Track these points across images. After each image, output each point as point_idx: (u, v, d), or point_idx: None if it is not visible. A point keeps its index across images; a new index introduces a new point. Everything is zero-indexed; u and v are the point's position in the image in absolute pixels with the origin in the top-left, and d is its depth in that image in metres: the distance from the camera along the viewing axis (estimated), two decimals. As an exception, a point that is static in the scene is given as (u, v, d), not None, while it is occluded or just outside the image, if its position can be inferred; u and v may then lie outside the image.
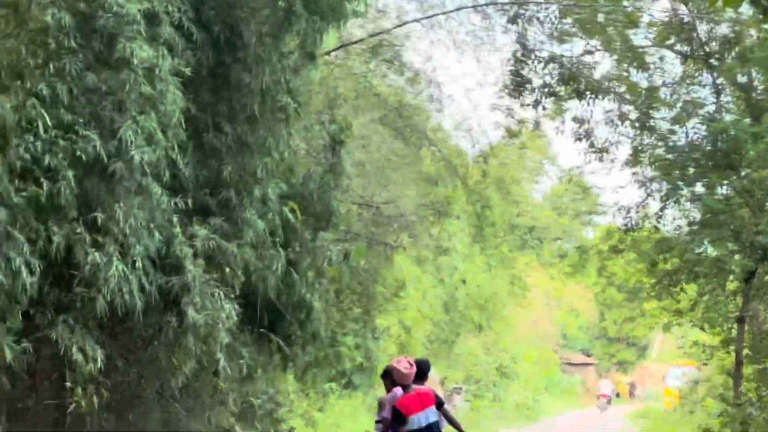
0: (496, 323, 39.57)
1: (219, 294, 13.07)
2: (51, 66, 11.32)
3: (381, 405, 12.61)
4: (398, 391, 12.28)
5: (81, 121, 11.38)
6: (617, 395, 73.72)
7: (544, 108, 24.87)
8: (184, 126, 12.49)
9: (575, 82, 24.33)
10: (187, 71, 12.62)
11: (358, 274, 19.85)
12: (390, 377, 12.56)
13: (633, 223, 23.93)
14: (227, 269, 13.42)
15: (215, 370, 13.59)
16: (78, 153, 11.18)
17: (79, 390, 11.74)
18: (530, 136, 32.07)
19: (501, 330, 42.83)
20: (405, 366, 12.11)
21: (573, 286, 59.95)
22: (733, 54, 22.52)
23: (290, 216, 14.53)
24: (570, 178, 32.36)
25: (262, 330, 15.12)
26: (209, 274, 13.08)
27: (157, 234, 12.12)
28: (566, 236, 43.94)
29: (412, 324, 30.45)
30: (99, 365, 11.66)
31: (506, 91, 25.16)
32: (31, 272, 10.77)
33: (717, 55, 23.02)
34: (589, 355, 77.90)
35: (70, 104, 11.31)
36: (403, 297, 26.99)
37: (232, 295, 13.44)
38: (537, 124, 27.95)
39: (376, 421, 12.65)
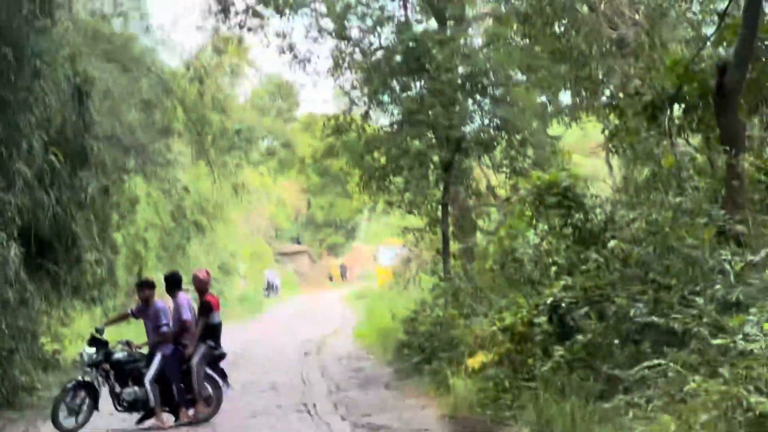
0: (217, 225, 41.95)
1: (2, 236, 14.83)
2: None
3: (161, 311, 15.04)
4: (183, 295, 15.08)
5: None
6: (330, 278, 77.72)
7: (249, 29, 27.01)
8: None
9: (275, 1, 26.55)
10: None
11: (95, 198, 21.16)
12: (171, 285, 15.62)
13: (343, 128, 26.48)
14: (8, 214, 15.09)
15: (5, 301, 15.39)
16: None
17: None
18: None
19: (221, 230, 45.22)
20: (204, 275, 15.74)
21: (279, 179, 62.62)
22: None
23: (54, 160, 16.32)
24: (276, 82, 34.88)
25: (38, 260, 16.98)
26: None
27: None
28: (271, 135, 46.38)
29: (146, 235, 32.66)
30: None
31: (212, 14, 27.13)
32: None
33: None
34: (299, 243, 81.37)
35: None
36: (137, 212, 29.23)
37: (14, 236, 15.20)
38: (241, 40, 30.15)
39: (162, 325, 14.98)
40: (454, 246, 25.26)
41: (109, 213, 23.60)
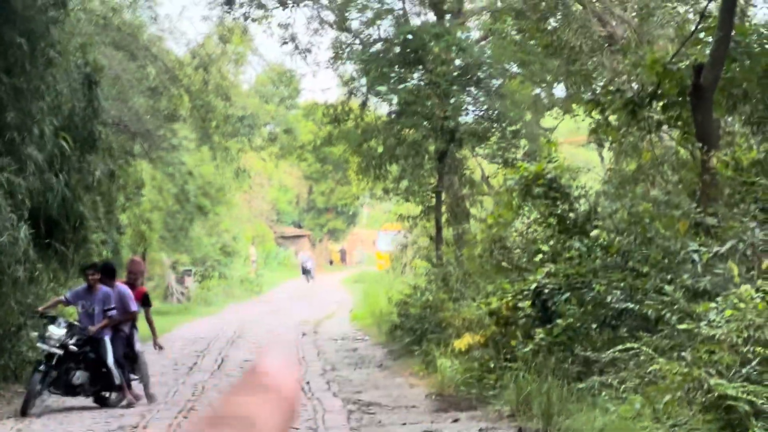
0: (220, 208, 42.80)
1: (13, 217, 15.62)
2: None
3: (110, 296, 15.56)
4: (121, 284, 15.91)
5: None
6: (330, 262, 78.56)
7: (253, 20, 27.81)
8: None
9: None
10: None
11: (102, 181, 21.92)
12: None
13: (341, 117, 27.27)
14: (19, 196, 15.89)
15: (15, 279, 16.16)
16: None
17: None
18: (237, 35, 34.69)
19: (223, 213, 46.07)
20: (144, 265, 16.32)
21: (282, 164, 63.35)
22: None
23: (64, 145, 17.13)
24: (278, 70, 35.60)
25: (46, 240, 17.80)
26: (5, 201, 15.56)
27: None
28: (274, 121, 47.12)
29: (150, 216, 33.54)
30: None
31: (218, 4, 27.90)
32: None
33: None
34: (300, 227, 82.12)
35: None
36: (143, 195, 30.13)
37: (25, 217, 15.99)
38: (245, 30, 30.94)
39: (111, 308, 15.51)
40: (447, 233, 26.02)
41: (115, 195, 24.37)
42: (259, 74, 54.06)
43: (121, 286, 16.00)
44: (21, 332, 17.51)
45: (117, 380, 15.47)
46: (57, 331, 14.92)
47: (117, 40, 23.69)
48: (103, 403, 15.56)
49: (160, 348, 16.93)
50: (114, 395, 15.71)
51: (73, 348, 15.04)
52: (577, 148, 34.44)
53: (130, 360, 15.97)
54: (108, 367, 15.36)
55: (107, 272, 15.88)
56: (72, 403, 15.62)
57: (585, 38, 21.18)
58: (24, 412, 14.36)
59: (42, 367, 14.69)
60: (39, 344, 14.93)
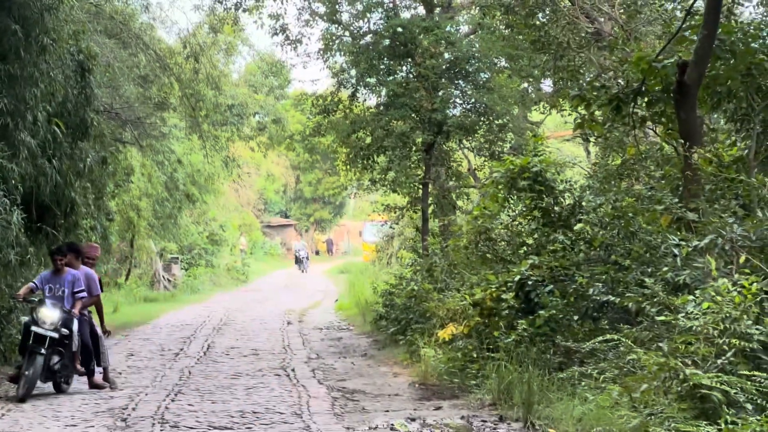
0: (208, 196, 43.00)
1: (6, 202, 15.82)
2: None
3: (78, 278, 15.62)
4: (86, 268, 15.99)
5: None
6: (317, 252, 78.83)
7: (245, 10, 28.03)
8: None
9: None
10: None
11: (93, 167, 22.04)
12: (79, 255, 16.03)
13: (330, 108, 27.50)
14: (12, 182, 16.07)
15: (6, 263, 16.35)
16: None
17: None
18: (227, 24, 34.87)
19: (211, 201, 46.27)
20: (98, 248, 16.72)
21: (270, 154, 63.56)
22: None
23: (57, 131, 17.32)
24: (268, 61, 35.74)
25: (37, 225, 18.00)
26: (-1, 186, 15.80)
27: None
28: (263, 111, 47.25)
29: (139, 204, 33.73)
30: None
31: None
32: None
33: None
34: (287, 217, 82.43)
35: None
36: (132, 182, 30.33)
37: (17, 202, 16.19)
38: (236, 20, 31.13)
39: (81, 291, 15.56)
40: (433, 224, 26.29)
41: (105, 182, 24.51)
42: (249, 64, 54.10)
43: (86, 269, 16.09)
44: (11, 315, 17.71)
45: (82, 366, 15.54)
46: (50, 314, 14.97)
47: (109, 28, 23.90)
48: (59, 389, 15.39)
49: (108, 333, 16.88)
50: (69, 382, 15.58)
51: (65, 331, 15.10)
52: (563, 143, 34.70)
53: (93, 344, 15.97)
54: (77, 351, 15.40)
55: (74, 252, 15.88)
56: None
57: (572, 34, 21.40)
58: (24, 399, 14.33)
59: (42, 351, 14.66)
60: (34, 329, 14.78)
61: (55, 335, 14.89)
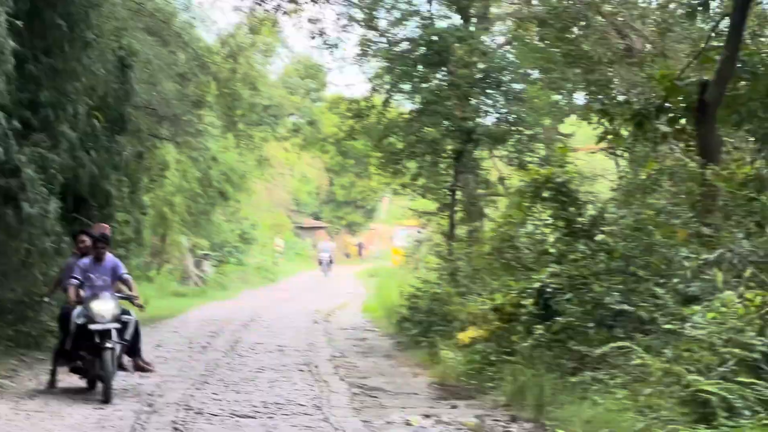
0: (240, 194, 43.59)
1: (45, 191, 16.42)
2: None
3: (118, 264, 15.06)
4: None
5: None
6: (347, 255, 79.27)
7: (285, 12, 28.57)
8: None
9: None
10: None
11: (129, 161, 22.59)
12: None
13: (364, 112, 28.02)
14: (51, 171, 16.66)
15: (42, 250, 16.93)
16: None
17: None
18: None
19: (243, 200, 46.87)
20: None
21: (304, 155, 64.21)
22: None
23: (96, 125, 17.93)
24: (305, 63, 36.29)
25: (72, 214, 18.60)
26: (38, 175, 16.35)
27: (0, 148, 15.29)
28: (299, 113, 47.93)
29: (173, 199, 34.36)
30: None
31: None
32: None
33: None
34: (319, 219, 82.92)
35: None
36: (167, 177, 30.96)
37: (56, 191, 16.79)
38: (275, 22, 31.67)
39: (124, 274, 15.04)
40: (461, 230, 26.68)
41: (140, 176, 25.09)
42: (286, 66, 54.75)
43: (112, 257, 15.26)
44: (43, 302, 18.15)
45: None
46: (107, 306, 14.29)
47: (150, 26, 24.54)
48: (93, 385, 14.86)
49: (142, 308, 16.21)
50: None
51: (126, 318, 14.68)
52: (594, 155, 34.94)
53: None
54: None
55: (106, 240, 15.07)
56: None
57: (604, 49, 21.79)
58: (108, 400, 13.79)
59: (110, 345, 14.07)
60: (93, 326, 14.10)
61: (118, 326, 14.34)
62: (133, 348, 15.22)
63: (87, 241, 15.10)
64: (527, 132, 26.18)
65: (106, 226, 17.39)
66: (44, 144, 16.67)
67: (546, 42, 23.59)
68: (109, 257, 14.94)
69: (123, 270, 15.00)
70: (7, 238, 16.56)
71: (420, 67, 26.33)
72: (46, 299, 17.20)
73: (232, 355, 19.83)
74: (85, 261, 14.85)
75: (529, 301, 15.91)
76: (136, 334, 15.26)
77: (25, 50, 16.59)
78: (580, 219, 17.11)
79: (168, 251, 39.45)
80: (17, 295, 18.23)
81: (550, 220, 17.63)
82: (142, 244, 29.28)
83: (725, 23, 16.09)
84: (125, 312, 14.76)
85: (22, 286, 18.27)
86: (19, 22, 15.61)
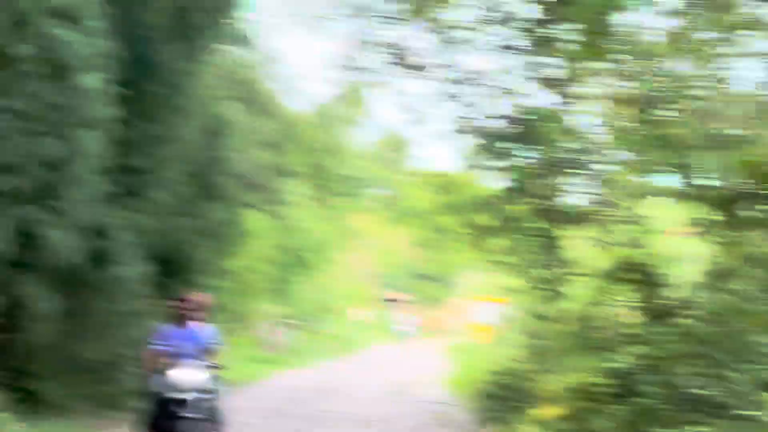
0: (325, 264, 43.85)
1: (137, 254, 16.78)
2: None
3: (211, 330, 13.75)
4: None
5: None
6: (426, 328, 79.00)
7: (374, 87, 28.83)
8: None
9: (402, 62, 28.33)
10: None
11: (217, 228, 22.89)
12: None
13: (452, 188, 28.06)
14: (142, 236, 17.04)
15: (128, 312, 17.27)
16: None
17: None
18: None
19: (328, 270, 47.10)
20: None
21: (388, 227, 64.48)
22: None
23: (187, 191, 18.34)
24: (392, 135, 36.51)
25: (159, 277, 18.98)
26: (128, 238, 16.74)
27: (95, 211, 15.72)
28: (385, 184, 48.25)
29: (257, 265, 34.70)
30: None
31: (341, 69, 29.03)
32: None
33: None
34: (400, 291, 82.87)
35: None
36: (251, 244, 31.32)
37: (144, 255, 17.14)
38: (364, 95, 32.10)
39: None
40: (543, 309, 26.45)
41: (227, 242, 25.37)
42: (372, 137, 55.23)
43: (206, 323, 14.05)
44: (123, 363, 18.37)
45: None
46: (189, 376, 13.13)
47: (239, 94, 25.04)
48: None
49: None
50: None
51: (212, 391, 13.57)
52: (686, 238, 34.60)
53: None
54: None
55: (199, 307, 13.72)
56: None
57: (696, 133, 21.64)
58: None
59: (186, 414, 13.01)
60: (172, 395, 13.03)
61: (202, 396, 13.20)
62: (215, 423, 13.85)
63: (184, 306, 13.62)
64: (613, 213, 25.96)
65: (207, 294, 17.31)
66: (135, 208, 17.07)
67: (636, 124, 23.50)
68: (201, 325, 13.59)
69: (214, 338, 13.63)
70: (93, 298, 16.89)
71: (513, 145, 26.30)
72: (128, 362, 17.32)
73: (308, 422, 19.87)
74: (170, 329, 13.53)
75: (609, 381, 15.79)
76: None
77: (122, 116, 17.09)
78: (662, 302, 17.00)
79: (249, 317, 39.72)
80: (98, 355, 18.48)
81: (633, 302, 17.53)
82: (223, 310, 29.59)
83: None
84: (214, 384, 13.63)
85: (104, 346, 18.55)
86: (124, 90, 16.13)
